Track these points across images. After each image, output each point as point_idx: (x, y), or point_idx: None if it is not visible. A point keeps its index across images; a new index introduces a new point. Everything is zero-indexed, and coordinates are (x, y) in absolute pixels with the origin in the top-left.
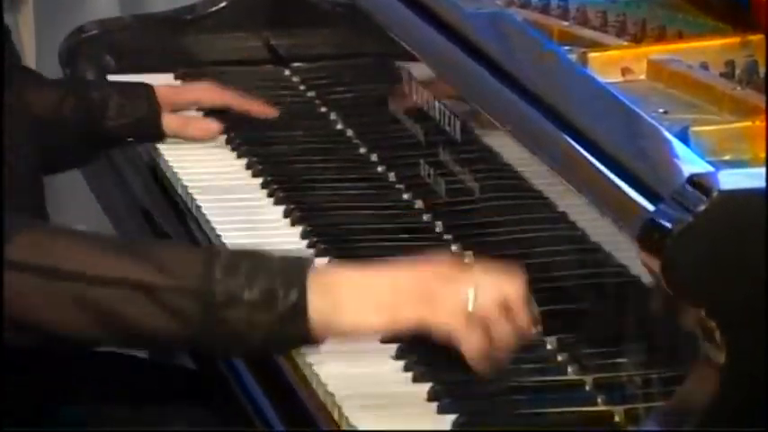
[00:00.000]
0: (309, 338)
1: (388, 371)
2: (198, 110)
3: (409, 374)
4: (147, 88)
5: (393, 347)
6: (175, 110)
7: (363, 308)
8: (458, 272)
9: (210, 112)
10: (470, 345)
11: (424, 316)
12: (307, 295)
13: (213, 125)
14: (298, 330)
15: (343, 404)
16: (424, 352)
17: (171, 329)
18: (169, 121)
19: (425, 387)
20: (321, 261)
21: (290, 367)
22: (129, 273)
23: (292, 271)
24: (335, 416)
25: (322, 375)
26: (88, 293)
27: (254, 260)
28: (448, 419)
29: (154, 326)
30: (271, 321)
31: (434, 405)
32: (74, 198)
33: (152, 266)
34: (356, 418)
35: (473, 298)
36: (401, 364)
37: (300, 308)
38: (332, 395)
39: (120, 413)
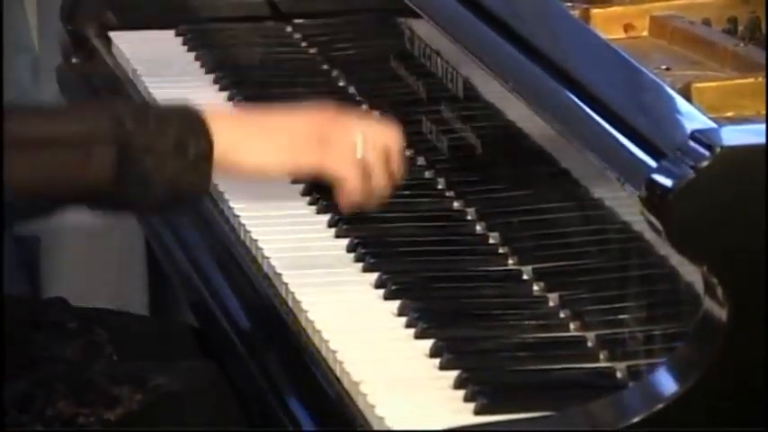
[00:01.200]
0: (205, 186)
1: (390, 327)
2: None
3: (411, 331)
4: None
5: (396, 303)
6: None
7: (264, 149)
8: (348, 119)
9: None
10: (353, 188)
11: (320, 159)
12: (213, 141)
13: None
14: (201, 175)
15: (345, 359)
16: (427, 308)
17: (87, 179)
18: None
19: (428, 343)
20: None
21: (293, 324)
22: (49, 130)
23: (196, 119)
24: (336, 369)
25: (324, 333)
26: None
27: (158, 111)
28: (450, 376)
29: (74, 176)
30: (179, 167)
31: (436, 361)
32: None
33: (67, 123)
34: (356, 371)
35: (361, 145)
36: (403, 320)
37: (208, 153)
38: (334, 351)
39: (123, 371)
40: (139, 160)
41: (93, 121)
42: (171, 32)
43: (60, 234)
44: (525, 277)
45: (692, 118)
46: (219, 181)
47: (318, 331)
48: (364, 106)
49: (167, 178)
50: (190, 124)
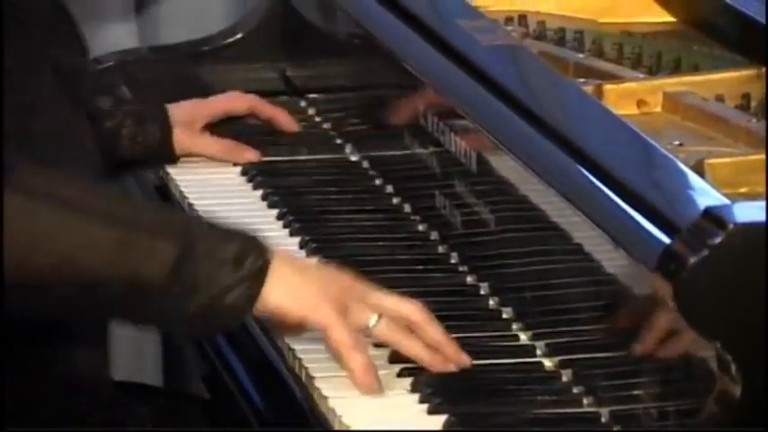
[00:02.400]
0: (246, 311)
1: (403, 403)
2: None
3: (424, 407)
4: (161, 110)
5: (408, 380)
6: (205, 124)
7: (292, 296)
8: (370, 295)
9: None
10: (353, 362)
11: (329, 324)
12: (270, 264)
13: (251, 153)
14: (248, 296)
15: None
16: (440, 384)
17: (143, 268)
18: (209, 146)
19: (440, 419)
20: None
21: (305, 397)
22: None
23: (260, 241)
24: None
25: (338, 408)
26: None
27: (226, 227)
28: None
29: (132, 261)
30: (230, 281)
31: None
32: None
33: (140, 212)
34: None
35: (374, 323)
36: (416, 396)
37: (260, 275)
38: (347, 426)
39: None
40: (195, 265)
41: (166, 216)
42: None
43: None
44: (538, 352)
45: (705, 194)
46: None
47: (332, 409)
48: (378, 180)
49: (215, 289)
50: (253, 243)
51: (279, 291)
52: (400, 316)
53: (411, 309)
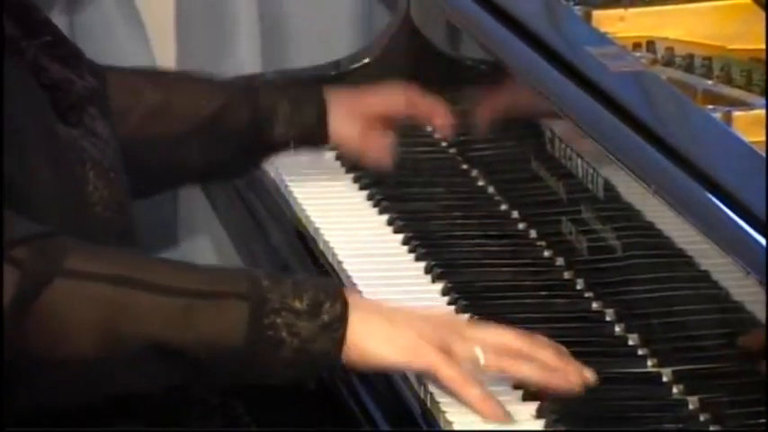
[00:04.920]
0: (336, 356)
1: (530, 428)
2: None
3: None
4: (318, 94)
5: (534, 405)
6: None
7: (391, 344)
8: (467, 329)
9: None
10: (472, 396)
11: (435, 365)
12: (349, 307)
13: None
14: (331, 343)
15: None
16: (566, 410)
17: (217, 334)
18: (348, 133)
19: None
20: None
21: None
22: (187, 282)
23: (332, 286)
24: None
25: (455, 423)
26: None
27: (294, 276)
28: None
29: (204, 329)
30: (312, 330)
31: None
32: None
33: (202, 277)
34: None
35: (481, 354)
36: (541, 422)
37: (342, 320)
38: None
39: None
40: (272, 320)
41: (227, 276)
42: None
43: None
44: (665, 379)
45: None
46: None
47: (450, 423)
48: (503, 206)
49: (298, 341)
50: (325, 289)
51: (373, 339)
52: (502, 345)
53: (509, 338)
